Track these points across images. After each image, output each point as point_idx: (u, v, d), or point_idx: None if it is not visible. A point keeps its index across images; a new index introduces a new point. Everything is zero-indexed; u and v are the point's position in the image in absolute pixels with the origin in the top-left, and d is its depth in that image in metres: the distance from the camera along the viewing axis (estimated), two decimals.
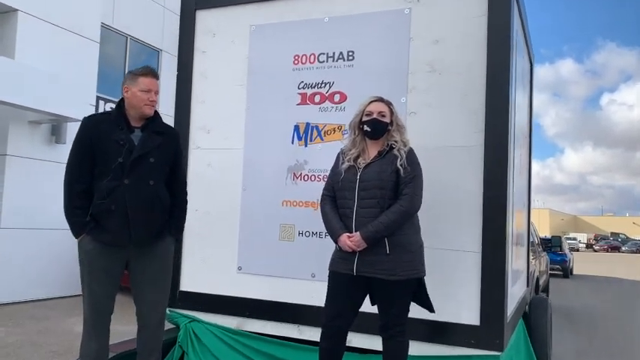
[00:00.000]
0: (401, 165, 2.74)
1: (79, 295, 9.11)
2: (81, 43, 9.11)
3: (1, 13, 8.20)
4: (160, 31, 12.81)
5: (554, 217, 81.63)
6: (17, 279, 7.93)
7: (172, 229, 2.95)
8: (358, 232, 2.72)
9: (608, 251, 55.07)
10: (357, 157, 2.90)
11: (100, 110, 11.51)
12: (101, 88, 10.21)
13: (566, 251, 17.26)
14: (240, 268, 3.79)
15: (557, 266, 16.02)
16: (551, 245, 9.85)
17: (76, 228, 2.76)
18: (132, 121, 2.86)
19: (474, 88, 3.22)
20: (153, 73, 2.88)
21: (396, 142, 2.84)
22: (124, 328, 3.28)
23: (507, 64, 3.17)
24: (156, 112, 2.93)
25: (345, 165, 2.91)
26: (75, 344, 5.45)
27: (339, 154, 3.01)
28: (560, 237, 11.14)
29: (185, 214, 3.06)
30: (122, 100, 2.90)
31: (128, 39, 12.27)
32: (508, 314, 3.27)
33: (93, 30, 9.42)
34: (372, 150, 2.89)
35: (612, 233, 76.85)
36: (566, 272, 16.95)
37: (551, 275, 13.21)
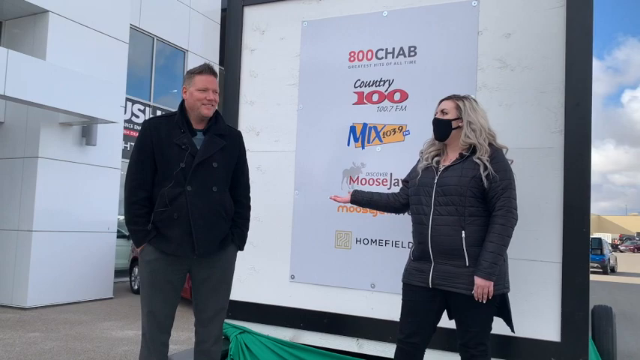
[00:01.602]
0: (486, 176, 2.47)
1: (111, 299, 9.06)
2: (111, 44, 9.04)
3: (32, 15, 8.16)
4: (186, 32, 12.72)
5: None
6: (49, 282, 7.89)
7: (236, 239, 2.76)
8: (476, 279, 2.43)
9: (634, 252, 53.86)
10: (437, 156, 2.67)
11: (128, 112, 11.47)
12: (128, 90, 10.15)
13: (605, 251, 19.06)
14: (293, 277, 3.60)
15: (597, 264, 17.67)
16: (592, 247, 9.53)
17: (138, 237, 2.60)
18: (194, 124, 2.68)
19: (551, 84, 2.99)
20: (209, 70, 2.68)
21: (472, 144, 2.57)
22: (176, 334, 3.11)
23: (589, 58, 2.92)
24: (218, 113, 2.75)
25: (423, 164, 2.67)
26: (113, 351, 5.36)
27: (419, 157, 2.78)
28: (600, 239, 10.79)
29: (249, 222, 2.87)
30: (183, 102, 2.72)
31: (155, 39, 12.21)
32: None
33: (122, 31, 9.34)
34: (452, 152, 2.65)
35: (638, 233, 75.16)
36: (605, 270, 18.42)
37: (592, 272, 14.15)
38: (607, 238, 66.31)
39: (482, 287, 2.42)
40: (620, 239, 66.36)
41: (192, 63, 12.43)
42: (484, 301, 2.44)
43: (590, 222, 2.91)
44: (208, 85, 2.65)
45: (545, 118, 2.99)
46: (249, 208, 2.87)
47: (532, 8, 3.07)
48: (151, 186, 2.61)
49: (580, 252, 2.87)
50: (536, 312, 2.93)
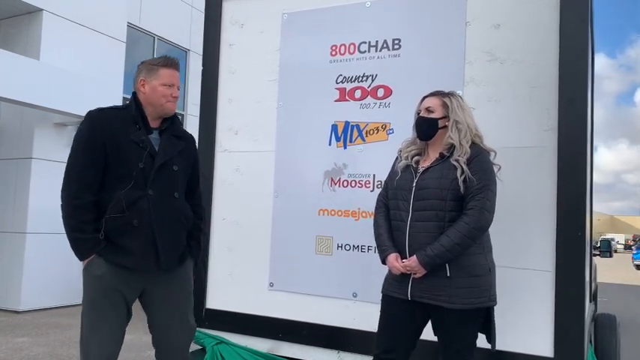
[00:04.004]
0: (463, 180, 2.26)
1: None
2: (107, 43, 8.90)
3: (26, 14, 8.04)
4: (188, 31, 12.56)
5: None
6: (44, 284, 7.75)
7: (194, 252, 2.53)
8: (415, 257, 2.27)
9: None
10: (417, 155, 2.46)
11: None
12: (128, 89, 10.00)
13: None
14: (271, 285, 3.41)
15: None
16: (601, 250, 9.17)
17: (84, 247, 2.27)
18: (149, 121, 2.44)
19: (544, 78, 2.76)
20: (175, 64, 2.46)
21: (454, 145, 2.36)
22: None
23: (585, 49, 2.70)
24: (174, 113, 2.54)
25: (402, 163, 2.45)
26: None
27: (397, 155, 2.57)
28: (609, 240, 10.39)
29: (203, 233, 2.66)
30: (135, 95, 2.46)
31: (155, 39, 12.08)
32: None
33: (119, 29, 9.21)
34: (433, 152, 2.43)
35: None
36: None
37: None
38: (620, 238, 65.32)
39: (412, 267, 2.28)
40: (633, 240, 65.35)
41: (194, 63, 12.28)
42: (397, 273, 2.33)
43: (585, 226, 2.69)
44: (174, 81, 2.45)
45: (538, 115, 2.76)
46: (204, 218, 2.67)
47: None
48: (98, 188, 2.30)
49: (575, 260, 2.65)
50: (526, 325, 2.70)
